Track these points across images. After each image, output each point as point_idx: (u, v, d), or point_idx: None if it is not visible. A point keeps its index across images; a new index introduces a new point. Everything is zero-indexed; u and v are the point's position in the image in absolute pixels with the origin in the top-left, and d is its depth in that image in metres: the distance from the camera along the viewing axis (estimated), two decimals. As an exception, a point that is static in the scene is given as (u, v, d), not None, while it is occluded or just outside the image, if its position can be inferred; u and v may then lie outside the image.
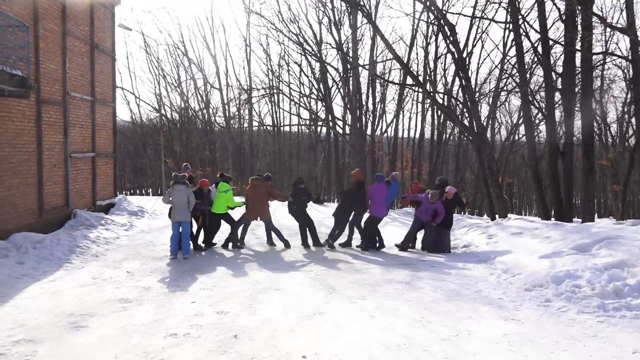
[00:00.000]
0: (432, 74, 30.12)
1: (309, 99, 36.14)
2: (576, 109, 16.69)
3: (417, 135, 35.81)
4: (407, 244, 10.54)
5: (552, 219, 15.57)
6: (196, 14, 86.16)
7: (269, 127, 43.11)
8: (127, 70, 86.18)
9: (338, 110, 48.89)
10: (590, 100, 16.60)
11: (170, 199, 9.04)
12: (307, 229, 10.68)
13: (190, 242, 9.61)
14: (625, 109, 30.44)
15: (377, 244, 10.51)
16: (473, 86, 27.93)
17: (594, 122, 27.61)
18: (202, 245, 10.21)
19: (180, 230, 9.09)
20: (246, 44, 38.99)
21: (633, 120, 23.23)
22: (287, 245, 10.44)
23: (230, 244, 10.36)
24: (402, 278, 7.56)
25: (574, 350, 4.46)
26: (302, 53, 30.55)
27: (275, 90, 37.73)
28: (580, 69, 16.00)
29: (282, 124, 41.99)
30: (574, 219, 15.71)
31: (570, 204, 16.11)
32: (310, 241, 10.66)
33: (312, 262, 8.77)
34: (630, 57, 15.93)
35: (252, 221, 10.59)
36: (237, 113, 41.14)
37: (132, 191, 49.62)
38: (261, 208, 10.37)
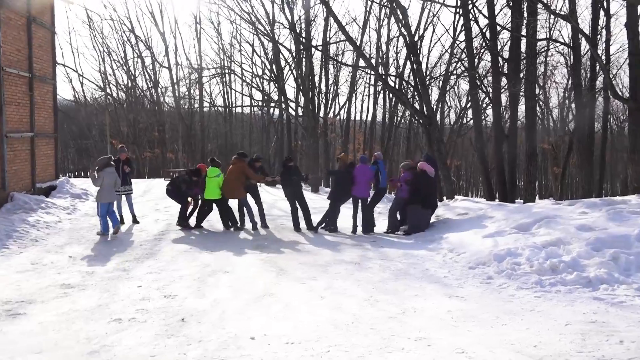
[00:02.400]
0: (385, 56, 30.42)
1: (261, 79, 35.64)
2: (521, 94, 17.27)
3: (369, 118, 36.17)
4: (393, 224, 10.37)
5: (497, 200, 16.15)
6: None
7: (220, 108, 42.32)
8: (69, 47, 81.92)
9: (291, 92, 48.50)
10: (534, 85, 17.21)
11: (102, 182, 9.19)
12: (303, 212, 10.43)
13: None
14: (566, 95, 31.82)
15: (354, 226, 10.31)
16: (424, 70, 28.40)
17: (537, 107, 28.76)
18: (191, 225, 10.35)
19: (108, 208, 9.36)
20: (196, 22, 37.97)
21: (573, 105, 24.31)
22: (242, 225, 10.37)
23: (232, 226, 10.39)
24: (352, 259, 7.68)
25: (513, 324, 4.68)
26: (255, 32, 30.01)
27: (226, 70, 36.99)
28: (525, 55, 16.54)
29: (234, 105, 41.32)
30: (516, 200, 16.40)
31: (514, 185, 16.79)
32: (303, 224, 10.46)
33: (264, 244, 8.75)
34: (571, 44, 16.62)
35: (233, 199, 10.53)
36: (187, 93, 40.15)
37: (75, 173, 47.71)
38: (234, 187, 10.22)
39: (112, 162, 9.64)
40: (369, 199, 10.52)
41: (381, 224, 10.92)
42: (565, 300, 5.39)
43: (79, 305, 5.25)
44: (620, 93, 23.59)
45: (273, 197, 17.47)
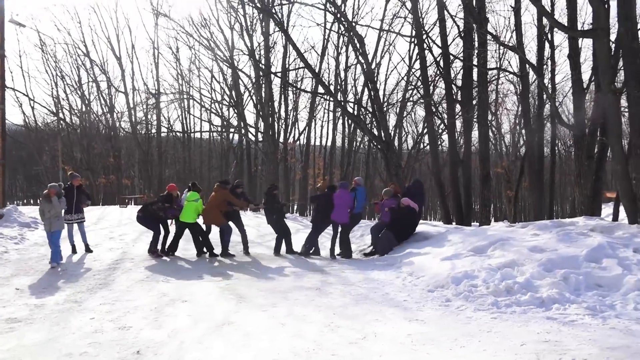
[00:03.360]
0: (343, 83, 31.00)
1: (220, 105, 35.57)
2: (474, 120, 17.94)
3: (329, 143, 36.61)
4: (380, 247, 10.53)
5: (454, 223, 16.55)
6: (99, 13, 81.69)
7: (178, 134, 41.83)
8: (19, 70, 79.42)
9: (250, 117, 48.43)
10: (486, 112, 17.93)
11: (51, 211, 8.96)
12: (284, 238, 10.71)
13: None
14: (517, 121, 33.24)
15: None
16: (381, 96, 29.10)
17: (490, 133, 29.86)
18: (165, 251, 10.20)
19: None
20: (154, 47, 37.73)
21: (523, 131, 25.40)
22: (224, 255, 10.28)
23: (208, 253, 10.28)
24: (313, 284, 7.65)
25: (470, 345, 4.77)
26: (214, 58, 30.11)
27: (185, 96, 36.76)
28: (477, 83, 17.26)
29: (192, 131, 40.93)
30: (472, 223, 16.84)
31: (470, 208, 17.28)
32: (284, 250, 10.76)
33: (223, 271, 8.61)
34: (519, 74, 17.46)
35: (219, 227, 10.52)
36: (144, 118, 39.50)
37: (24, 201, 45.75)
38: (214, 214, 10.33)
39: (62, 190, 9.53)
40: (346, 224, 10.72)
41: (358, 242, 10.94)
42: (520, 320, 5.54)
43: (26, 341, 5.00)
44: (566, 120, 24.85)
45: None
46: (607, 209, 22.35)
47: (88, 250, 10.31)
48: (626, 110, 12.34)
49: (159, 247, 10.21)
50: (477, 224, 16.58)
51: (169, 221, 10.49)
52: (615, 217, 15.27)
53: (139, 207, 11.01)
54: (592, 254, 7.19)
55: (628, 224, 9.02)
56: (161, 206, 10.21)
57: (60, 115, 38.75)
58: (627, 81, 9.00)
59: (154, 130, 39.70)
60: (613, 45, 12.14)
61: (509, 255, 7.65)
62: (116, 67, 59.54)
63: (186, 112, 40.18)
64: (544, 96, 18.48)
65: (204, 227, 10.73)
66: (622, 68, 9.42)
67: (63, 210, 9.44)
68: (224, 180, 11.09)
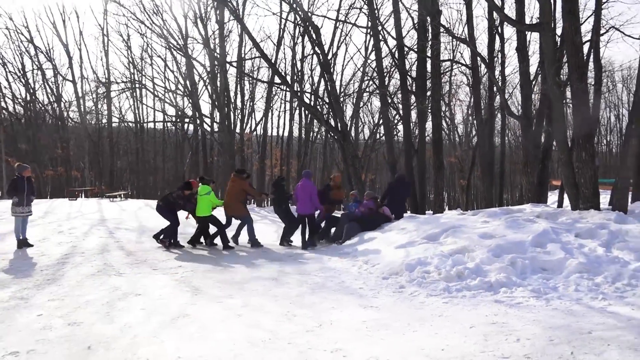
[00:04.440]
0: (300, 74, 30.90)
1: (174, 95, 34.78)
2: (428, 111, 18.31)
3: (286, 134, 36.47)
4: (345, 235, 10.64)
5: (408, 211, 16.89)
6: (44, -3, 77.80)
7: (130, 124, 40.64)
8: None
9: (206, 107, 47.60)
10: (439, 103, 18.32)
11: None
12: (289, 228, 10.83)
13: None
14: (469, 112, 34.13)
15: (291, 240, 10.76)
16: (338, 87, 29.23)
17: (443, 123, 30.56)
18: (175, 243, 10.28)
19: None
20: (103, 34, 36.43)
21: (475, 121, 26.07)
22: (256, 245, 10.45)
23: (222, 244, 10.34)
24: (270, 274, 7.67)
25: (423, 330, 4.91)
26: (167, 47, 29.29)
27: (137, 85, 35.69)
28: (431, 75, 17.60)
29: (145, 121, 39.84)
30: (426, 211, 17.25)
31: (424, 197, 17.67)
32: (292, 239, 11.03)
33: (178, 263, 8.49)
34: (471, 66, 17.92)
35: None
36: (94, 108, 38.13)
37: (-36, 195, 43.32)
38: (236, 206, 10.42)
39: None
40: (309, 217, 10.68)
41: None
42: (470, 304, 5.75)
43: (-32, 340, 4.78)
44: (515, 111, 25.70)
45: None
46: (553, 196, 23.37)
47: (27, 244, 9.85)
48: (570, 101, 12.94)
49: (160, 237, 10.34)
50: (431, 212, 16.99)
51: (185, 215, 10.71)
52: (560, 203, 16.00)
53: (158, 197, 11.28)
54: (537, 239, 7.54)
55: (571, 210, 9.49)
56: (180, 194, 10.30)
57: (2, 104, 36.86)
58: (570, 74, 9.41)
59: (104, 121, 38.45)
60: (559, 40, 12.66)
61: (460, 242, 7.91)
62: (63, 54, 57.24)
63: (139, 101, 39.06)
64: (494, 88, 19.06)
65: (224, 219, 10.76)
66: (567, 61, 9.82)
67: (13, 203, 9.56)
68: (240, 170, 11.21)
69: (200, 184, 10.52)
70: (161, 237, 10.29)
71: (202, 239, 10.62)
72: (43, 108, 38.59)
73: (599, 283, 6.11)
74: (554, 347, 4.23)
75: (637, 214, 8.78)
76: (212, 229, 10.58)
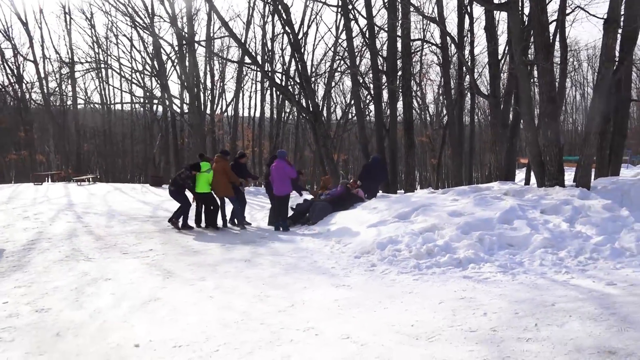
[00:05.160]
0: (270, 53, 30.52)
1: (142, 75, 33.91)
2: (399, 90, 18.38)
3: (258, 115, 36.16)
4: (315, 215, 10.71)
5: (380, 191, 17.04)
6: (0, -28, 74.12)
7: (97, 105, 39.55)
8: None
9: (175, 88, 46.63)
10: (410, 82, 18.40)
11: None
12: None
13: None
14: (440, 91, 34.38)
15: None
16: (309, 67, 29.00)
17: (415, 103, 30.72)
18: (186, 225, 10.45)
19: None
20: (65, 12, 35.04)
21: (445, 101, 26.31)
22: (242, 225, 10.60)
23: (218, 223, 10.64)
24: (243, 256, 7.66)
25: (393, 307, 5.00)
26: (133, 25, 28.43)
27: (102, 65, 34.66)
28: (401, 54, 17.61)
29: (112, 102, 38.83)
30: (398, 191, 17.44)
31: (395, 176, 17.84)
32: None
33: (149, 247, 8.38)
34: (440, 45, 17.99)
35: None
36: (57, 89, 36.90)
37: None
38: (223, 186, 10.41)
39: None
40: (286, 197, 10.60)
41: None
42: (439, 280, 5.87)
43: None
44: (485, 90, 26.03)
45: (159, 198, 16.80)
46: (520, 174, 23.93)
47: None
48: (537, 80, 13.15)
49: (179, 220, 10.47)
50: (403, 191, 17.19)
51: (192, 198, 10.68)
52: (527, 181, 16.41)
53: (169, 181, 11.06)
54: (504, 216, 7.72)
55: (537, 187, 9.73)
56: (189, 174, 10.33)
57: (-40, 86, 35.37)
58: (537, 53, 9.55)
59: (69, 102, 37.27)
60: (526, 19, 12.80)
61: (430, 220, 8.04)
62: (23, 33, 54.90)
63: (105, 82, 38.01)
64: (464, 67, 19.22)
65: (218, 200, 10.75)
66: (533, 41, 9.95)
67: None
68: (224, 151, 11.11)
69: (200, 161, 10.64)
70: (172, 218, 10.45)
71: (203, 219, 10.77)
72: (3, 90, 37.14)
73: (562, 257, 6.31)
74: (519, 320, 4.37)
75: (600, 190, 9.07)
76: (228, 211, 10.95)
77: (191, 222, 10.79)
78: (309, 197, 12.83)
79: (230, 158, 11.24)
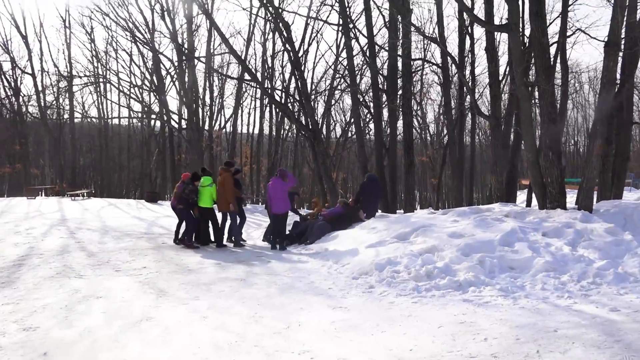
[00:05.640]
0: (270, 70, 30.74)
1: (140, 90, 34.10)
2: (399, 109, 18.47)
3: (256, 131, 36.26)
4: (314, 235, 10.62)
5: (379, 211, 17.01)
6: (1, -15, 75.04)
7: (94, 120, 39.66)
8: None
9: (173, 104, 46.91)
10: (410, 102, 18.51)
11: None
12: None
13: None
14: (441, 111, 34.60)
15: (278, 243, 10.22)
16: (309, 84, 29.19)
17: (415, 122, 30.86)
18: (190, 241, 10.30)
19: None
20: (65, 26, 35.35)
21: (446, 120, 26.43)
22: (238, 243, 10.40)
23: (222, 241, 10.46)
24: (238, 275, 7.59)
25: (392, 330, 4.94)
26: (133, 40, 28.69)
27: (101, 79, 34.87)
28: (402, 73, 17.75)
29: (110, 117, 38.95)
30: (397, 211, 17.41)
31: (395, 196, 17.83)
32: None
33: (143, 264, 8.31)
34: (441, 65, 18.14)
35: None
36: (54, 103, 37.04)
37: None
38: (224, 200, 10.26)
39: None
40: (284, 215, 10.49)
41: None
42: (438, 304, 5.81)
43: None
44: (486, 110, 26.16)
45: (154, 214, 16.73)
46: (522, 196, 23.94)
47: None
48: (538, 101, 13.24)
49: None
50: (402, 211, 17.15)
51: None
52: (529, 203, 16.39)
53: (171, 200, 10.96)
54: (505, 238, 7.68)
55: (538, 210, 9.70)
56: (192, 188, 10.25)
57: (-44, 97, 35.48)
58: (538, 75, 9.62)
59: (66, 116, 37.35)
60: (527, 41, 12.93)
61: (430, 241, 7.99)
62: (22, 46, 55.34)
63: (102, 96, 38.14)
64: (465, 88, 19.35)
65: (219, 215, 10.66)
66: (534, 62, 10.03)
67: None
68: (228, 162, 11.03)
69: (202, 175, 10.58)
70: (184, 237, 10.35)
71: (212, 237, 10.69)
72: (0, 102, 37.26)
73: (564, 281, 6.26)
74: (520, 346, 4.31)
75: (602, 213, 9.05)
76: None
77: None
78: (305, 212, 12.83)
79: (237, 169, 11.14)
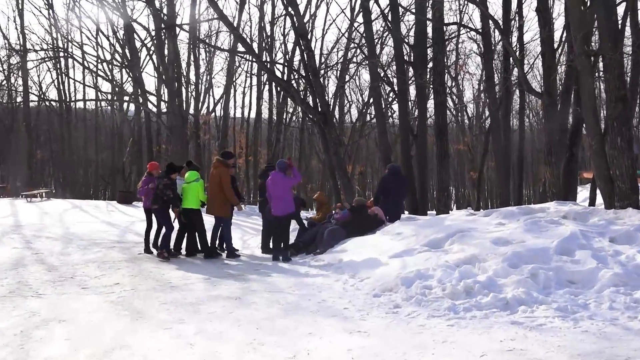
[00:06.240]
0: (269, 40, 30.78)
1: (110, 66, 34.28)
2: (430, 86, 18.41)
3: (253, 116, 36.33)
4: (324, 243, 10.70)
5: (406, 212, 17.00)
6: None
7: (54, 103, 39.97)
8: None
9: (151, 82, 47.10)
10: (443, 77, 18.45)
11: None
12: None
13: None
14: (481, 87, 34.37)
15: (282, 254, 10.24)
16: (317, 57, 29.17)
17: (449, 102, 30.75)
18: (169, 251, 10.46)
19: None
20: (17, -12, 35.55)
21: (488, 100, 26.28)
22: (232, 255, 10.43)
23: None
24: (232, 293, 7.63)
25: (422, 360, 4.93)
26: (99, 5, 28.81)
27: (62, 53, 35.10)
28: (432, 41, 17.68)
29: (73, 99, 39.23)
30: (428, 212, 17.39)
31: (425, 194, 17.82)
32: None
33: (115, 280, 8.39)
34: (481, 30, 18.05)
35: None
36: (4, 83, 37.37)
37: None
38: (219, 202, 10.24)
39: None
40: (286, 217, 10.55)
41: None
42: (480, 327, 5.79)
43: None
44: (539, 88, 26.00)
45: (128, 218, 16.85)
46: (583, 192, 23.83)
47: None
48: (603, 75, 13.12)
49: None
50: (434, 212, 17.12)
51: (173, 216, 10.60)
52: (592, 201, 16.32)
53: (146, 199, 10.82)
54: (563, 245, 7.63)
55: (604, 209, 9.63)
56: (167, 182, 10.16)
57: None
58: (602, 41, 9.53)
59: (19, 99, 37.71)
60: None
61: (469, 249, 7.98)
62: (-35, 14, 55.93)
63: (64, 74, 38.42)
64: (511, 58, 19.22)
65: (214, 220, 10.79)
66: (597, 26, 9.94)
67: None
68: (226, 152, 11.05)
69: (188, 169, 10.60)
70: (159, 246, 10.44)
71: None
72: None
73: (638, 299, 6.21)
74: (583, 379, 4.28)
75: (685, 213, 8.96)
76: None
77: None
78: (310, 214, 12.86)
79: (233, 163, 10.94)
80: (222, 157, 10.65)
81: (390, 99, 28.21)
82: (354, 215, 11.16)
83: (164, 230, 10.38)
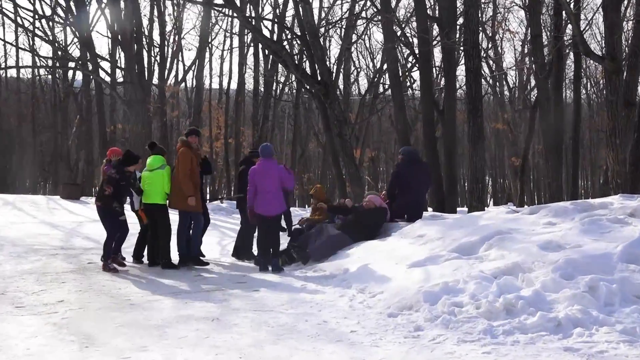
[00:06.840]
0: (255, -11, 30.61)
1: (51, 24, 34.18)
2: (460, 48, 18.32)
3: (234, 87, 36.26)
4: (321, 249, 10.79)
5: (429, 208, 17.00)
6: None
7: (-21, 71, 39.88)
8: None
9: (103, 44, 46.91)
10: (477, 36, 18.37)
11: None
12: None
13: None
14: (525, 50, 34.16)
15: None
16: (316, 12, 29.05)
17: (485, 69, 30.62)
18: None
19: None
20: None
21: (534, 66, 26.10)
22: (199, 262, 10.63)
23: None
24: (208, 312, 7.63)
25: (451, 397, 4.94)
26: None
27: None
28: (463, -10, 17.58)
29: (2, 66, 39.18)
30: (458, 208, 17.38)
31: (454, 185, 17.79)
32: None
33: (59, 297, 8.39)
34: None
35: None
36: None
37: None
38: (179, 192, 10.26)
39: None
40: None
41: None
42: (525, 355, 5.79)
43: None
44: (599, 50, 25.93)
45: (75, 218, 16.85)
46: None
47: None
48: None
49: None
50: (465, 209, 17.10)
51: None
52: (667, 194, 16.26)
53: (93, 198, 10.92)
54: (631, 250, 7.62)
55: (683, 205, 9.62)
56: (115, 176, 10.05)
57: None
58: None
59: None
60: None
61: (510, 256, 7.98)
62: None
63: (-8, 35, 38.37)
64: (564, 12, 19.15)
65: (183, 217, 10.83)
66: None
67: None
68: (192, 130, 11.03)
69: (151, 153, 10.55)
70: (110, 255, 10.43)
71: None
72: None
73: None
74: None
75: None
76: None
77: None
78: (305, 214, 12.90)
79: (200, 142, 11.13)
80: (186, 136, 10.71)
81: (409, 65, 28.12)
82: (354, 216, 11.16)
83: (110, 231, 10.33)
